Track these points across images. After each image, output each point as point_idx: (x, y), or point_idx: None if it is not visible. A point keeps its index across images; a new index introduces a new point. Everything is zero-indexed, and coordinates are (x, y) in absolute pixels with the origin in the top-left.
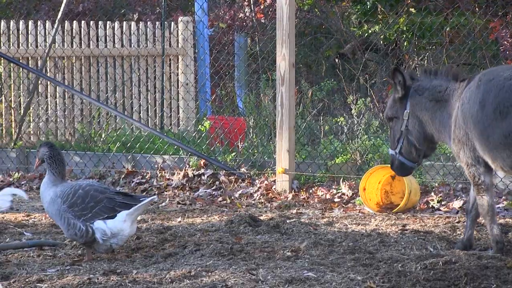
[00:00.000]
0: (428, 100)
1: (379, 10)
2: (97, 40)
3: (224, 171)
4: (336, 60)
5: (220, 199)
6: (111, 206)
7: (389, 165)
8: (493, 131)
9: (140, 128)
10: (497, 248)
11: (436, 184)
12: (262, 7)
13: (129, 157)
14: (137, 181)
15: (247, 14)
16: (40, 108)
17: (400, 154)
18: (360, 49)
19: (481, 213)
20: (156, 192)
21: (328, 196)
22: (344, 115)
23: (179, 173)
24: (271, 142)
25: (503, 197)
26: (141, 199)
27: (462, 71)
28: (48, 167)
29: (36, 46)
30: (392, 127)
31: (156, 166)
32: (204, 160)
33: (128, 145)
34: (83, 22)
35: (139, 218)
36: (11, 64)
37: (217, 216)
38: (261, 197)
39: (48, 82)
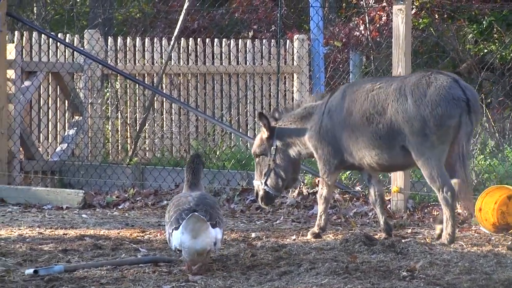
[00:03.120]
0: (292, 124)
1: (495, 29)
2: (213, 58)
3: (338, 189)
4: None
5: (334, 217)
6: (178, 218)
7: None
8: (362, 134)
9: None
10: (317, 232)
11: None
12: (377, 25)
13: (244, 174)
14: (252, 199)
15: (362, 32)
16: (155, 125)
17: (266, 184)
18: (476, 68)
19: (318, 200)
20: (271, 210)
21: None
22: None
23: (294, 191)
24: None
25: None
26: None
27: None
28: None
29: (152, 63)
30: (258, 163)
31: None
32: (318, 178)
33: (243, 162)
34: (198, 39)
35: (253, 235)
36: (128, 81)
37: (332, 235)
38: (376, 216)
39: (164, 99)
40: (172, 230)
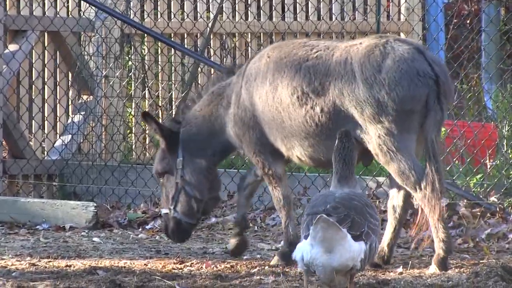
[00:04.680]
0: (199, 119)
1: None
2: (283, 10)
3: (465, 200)
4: None
5: (459, 240)
6: (309, 223)
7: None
8: (291, 117)
9: None
10: (288, 250)
11: None
12: None
13: (327, 179)
14: None
15: None
16: None
17: (176, 211)
18: None
19: (276, 206)
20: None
21: None
22: None
23: None
24: None
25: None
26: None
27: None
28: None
29: (195, 18)
30: (163, 184)
31: (367, 192)
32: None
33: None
34: None
35: None
36: (159, 44)
37: (455, 266)
38: None
39: (212, 70)
40: (304, 237)
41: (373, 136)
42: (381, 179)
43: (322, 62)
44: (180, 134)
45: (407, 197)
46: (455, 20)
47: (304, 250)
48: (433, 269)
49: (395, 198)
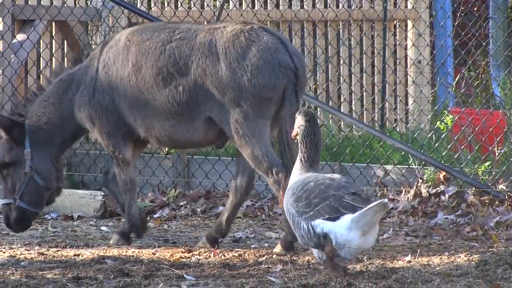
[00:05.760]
0: (48, 108)
1: None
2: None
3: (473, 188)
4: None
5: (467, 229)
6: (336, 205)
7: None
8: (154, 97)
9: (352, 125)
10: (128, 231)
11: None
12: None
13: (335, 167)
14: None
15: None
16: None
17: (22, 201)
18: None
19: (121, 189)
20: None
21: None
22: None
23: (408, 191)
24: None
25: None
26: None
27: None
28: (299, 146)
29: (202, 7)
30: (8, 175)
31: (374, 181)
32: (444, 173)
33: (335, 149)
34: None
35: None
36: None
37: (464, 255)
38: None
39: None
40: (324, 219)
41: (230, 119)
42: (388, 167)
43: (186, 43)
44: (25, 126)
45: (251, 181)
46: (462, 7)
47: (338, 232)
48: (277, 248)
49: (239, 180)
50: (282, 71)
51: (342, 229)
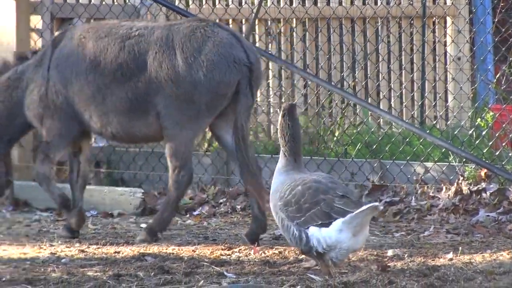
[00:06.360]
0: None
1: None
2: None
3: None
4: None
5: (509, 226)
6: (327, 211)
7: None
8: (113, 93)
9: (392, 122)
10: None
11: None
12: None
13: (375, 164)
14: (388, 199)
15: None
16: None
17: None
18: None
19: (38, 180)
20: (415, 216)
21: None
22: None
23: (449, 189)
24: None
25: None
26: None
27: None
28: (280, 141)
29: (240, 4)
30: None
31: (414, 178)
32: (486, 170)
33: (374, 147)
34: None
35: (390, 253)
36: None
37: (507, 252)
38: None
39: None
40: (317, 226)
41: (176, 112)
42: (429, 164)
43: (144, 39)
44: None
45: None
46: (502, 4)
47: (327, 235)
48: (141, 236)
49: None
50: (236, 67)
51: (333, 232)
